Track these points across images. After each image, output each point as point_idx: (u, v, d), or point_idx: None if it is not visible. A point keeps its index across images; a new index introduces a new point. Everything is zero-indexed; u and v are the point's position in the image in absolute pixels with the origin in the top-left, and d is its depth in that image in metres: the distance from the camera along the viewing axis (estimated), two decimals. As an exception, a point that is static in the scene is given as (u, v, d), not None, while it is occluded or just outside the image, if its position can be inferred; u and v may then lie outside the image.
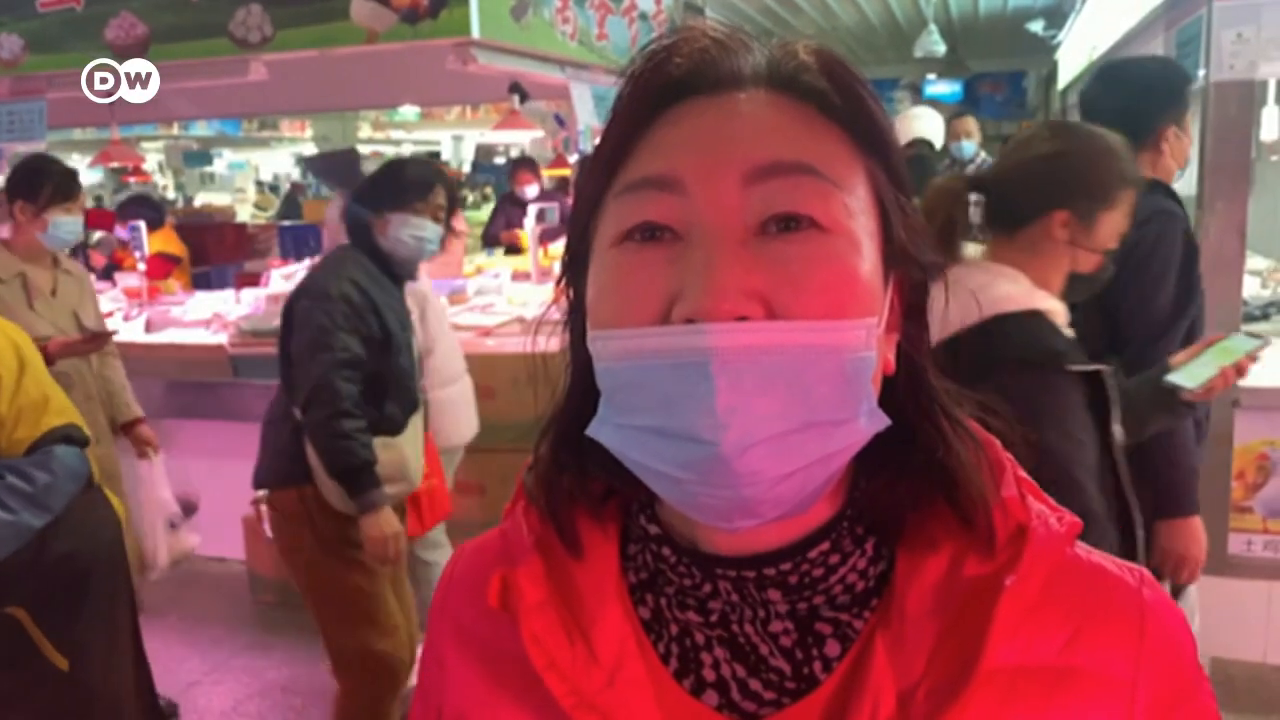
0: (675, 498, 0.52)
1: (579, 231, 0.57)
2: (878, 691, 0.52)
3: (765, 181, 0.50)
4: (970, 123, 5.85)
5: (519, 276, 5.06)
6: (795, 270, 0.49)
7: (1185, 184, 2.43)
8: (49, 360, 2.50)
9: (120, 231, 5.74)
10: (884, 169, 0.54)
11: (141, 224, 5.06)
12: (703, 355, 0.47)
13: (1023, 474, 0.59)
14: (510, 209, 6.87)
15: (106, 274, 6.04)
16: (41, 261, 3.09)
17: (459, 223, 5.80)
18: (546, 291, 4.48)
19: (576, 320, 0.59)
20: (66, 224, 3.08)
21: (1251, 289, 3.93)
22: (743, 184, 0.50)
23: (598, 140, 0.57)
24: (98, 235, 6.70)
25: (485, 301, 4.51)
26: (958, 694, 0.51)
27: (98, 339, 3.08)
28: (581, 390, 0.58)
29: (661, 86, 0.53)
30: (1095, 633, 0.54)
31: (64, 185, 3.08)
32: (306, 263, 5.21)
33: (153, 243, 5.64)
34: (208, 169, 16.22)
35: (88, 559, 1.82)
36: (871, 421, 0.51)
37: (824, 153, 0.52)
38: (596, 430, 0.53)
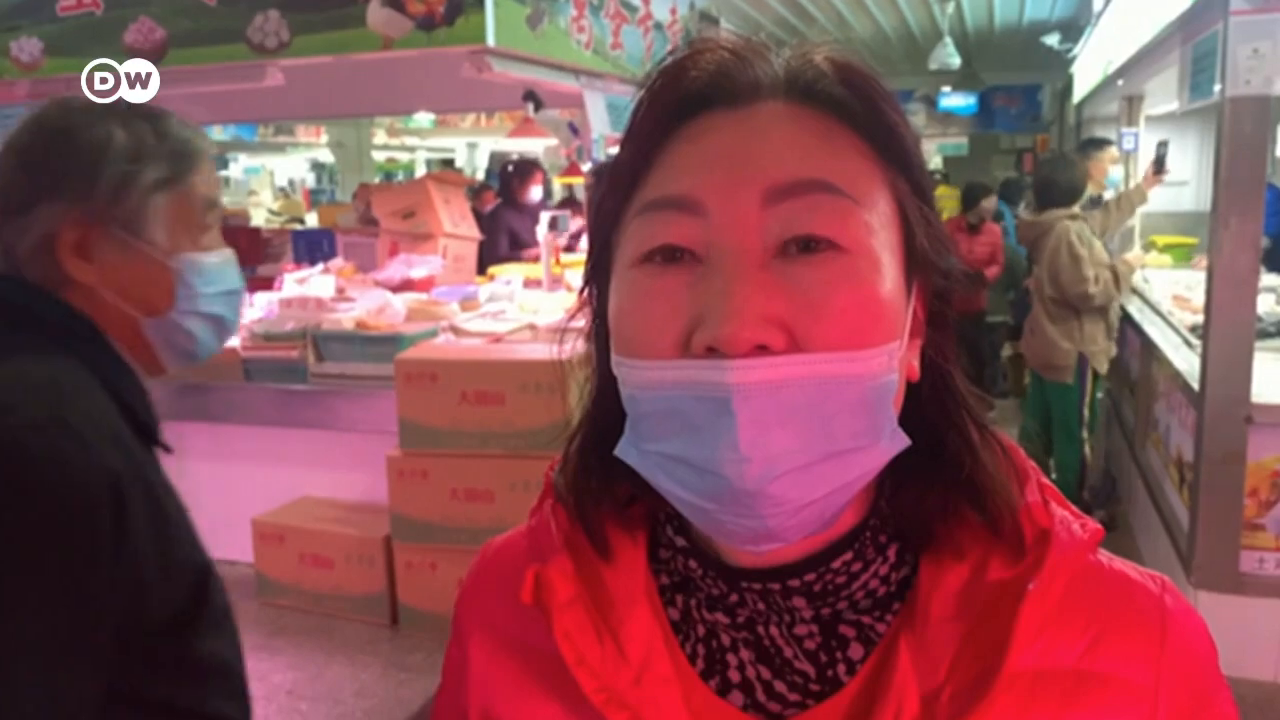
0: (701, 523, 0.53)
1: (599, 247, 0.58)
2: (901, 694, 0.53)
3: (785, 201, 0.50)
4: None
5: (531, 283, 5.07)
6: (815, 295, 0.49)
7: (1200, 199, 2.38)
8: None
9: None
10: (905, 178, 0.54)
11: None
12: (724, 390, 0.47)
13: (1045, 481, 0.59)
14: (512, 217, 6.51)
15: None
16: None
17: (471, 228, 5.83)
18: (558, 299, 4.49)
19: (601, 327, 0.59)
20: None
21: (1265, 305, 3.91)
22: (762, 204, 0.50)
23: (614, 151, 0.57)
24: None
25: (497, 308, 4.52)
26: (981, 697, 0.51)
27: None
28: (607, 396, 0.59)
29: (679, 100, 0.53)
30: (1117, 639, 0.55)
31: None
32: (319, 267, 5.24)
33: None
34: (223, 173, 16.31)
35: None
36: (893, 442, 0.51)
37: (843, 168, 0.52)
38: (624, 452, 0.54)
